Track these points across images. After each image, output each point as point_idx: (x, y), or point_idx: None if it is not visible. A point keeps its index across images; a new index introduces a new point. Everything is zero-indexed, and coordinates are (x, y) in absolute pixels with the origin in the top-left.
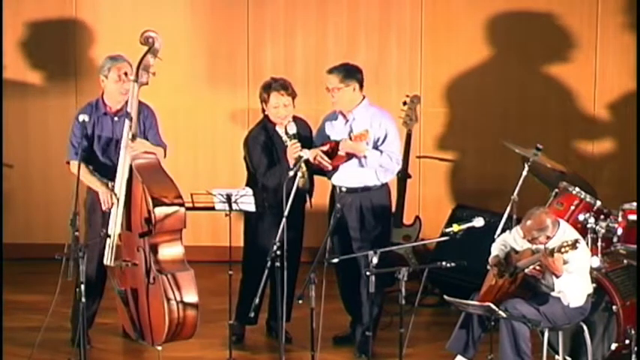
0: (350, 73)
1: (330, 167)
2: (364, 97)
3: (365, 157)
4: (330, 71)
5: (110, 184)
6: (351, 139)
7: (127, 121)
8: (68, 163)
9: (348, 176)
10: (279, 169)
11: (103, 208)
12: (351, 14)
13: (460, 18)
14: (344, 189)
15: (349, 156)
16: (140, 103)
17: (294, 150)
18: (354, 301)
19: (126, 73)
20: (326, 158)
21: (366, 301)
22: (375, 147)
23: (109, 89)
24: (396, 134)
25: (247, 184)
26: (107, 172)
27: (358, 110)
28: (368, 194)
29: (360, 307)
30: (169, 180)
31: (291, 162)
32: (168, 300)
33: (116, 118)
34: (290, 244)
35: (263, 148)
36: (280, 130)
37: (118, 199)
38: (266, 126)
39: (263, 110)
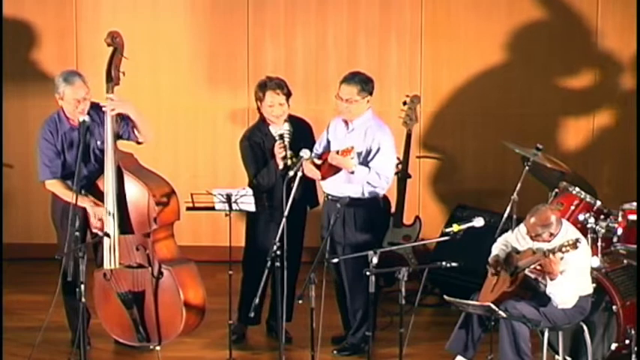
0: (366, 85)
1: (319, 178)
2: (369, 108)
3: (352, 172)
4: (347, 82)
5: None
6: (337, 152)
7: (108, 126)
8: (44, 183)
9: (333, 185)
10: (268, 169)
11: (96, 224)
12: (351, 15)
13: (460, 18)
14: (330, 196)
15: (337, 168)
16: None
17: (278, 150)
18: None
19: (84, 98)
20: (314, 169)
21: (351, 304)
22: (366, 162)
23: (67, 109)
24: (390, 151)
25: (249, 184)
26: (86, 183)
27: (359, 120)
28: (352, 204)
29: (352, 311)
30: (157, 175)
31: (279, 163)
32: (180, 292)
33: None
34: (291, 244)
35: (254, 148)
36: (274, 130)
37: (115, 205)
38: (260, 126)
39: (259, 109)
